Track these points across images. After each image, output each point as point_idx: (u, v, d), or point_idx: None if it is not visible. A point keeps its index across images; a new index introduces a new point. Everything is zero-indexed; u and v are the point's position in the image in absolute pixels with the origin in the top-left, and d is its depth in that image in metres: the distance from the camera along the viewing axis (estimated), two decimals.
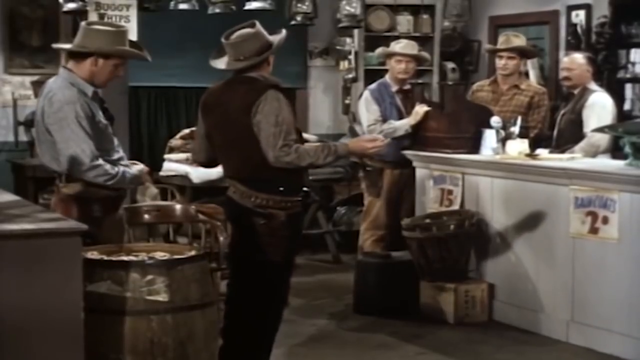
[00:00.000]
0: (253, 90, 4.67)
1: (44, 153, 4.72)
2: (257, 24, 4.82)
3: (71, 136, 4.55)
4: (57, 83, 4.70)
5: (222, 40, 4.81)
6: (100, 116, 4.69)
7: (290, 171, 4.67)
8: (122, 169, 4.71)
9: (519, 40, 7.16)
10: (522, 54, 7.22)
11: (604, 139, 6.59)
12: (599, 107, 6.75)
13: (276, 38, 4.84)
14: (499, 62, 7.14)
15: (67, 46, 4.84)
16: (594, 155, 6.57)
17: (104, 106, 4.80)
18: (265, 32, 4.82)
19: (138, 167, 4.91)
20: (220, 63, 4.84)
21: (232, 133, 4.74)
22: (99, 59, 4.66)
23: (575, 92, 6.90)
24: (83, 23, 4.83)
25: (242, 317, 4.78)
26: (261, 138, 4.62)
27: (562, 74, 7.05)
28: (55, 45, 4.84)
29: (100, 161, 4.59)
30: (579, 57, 6.97)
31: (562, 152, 6.62)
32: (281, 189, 4.69)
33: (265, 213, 4.68)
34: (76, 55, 4.71)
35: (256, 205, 4.69)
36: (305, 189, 4.87)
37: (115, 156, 4.73)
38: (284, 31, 4.89)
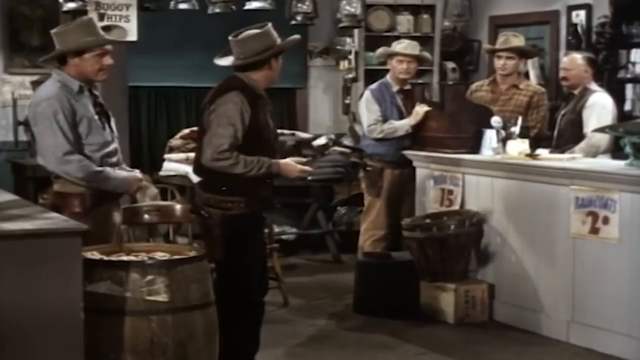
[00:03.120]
0: (220, 89, 4.78)
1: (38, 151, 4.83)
2: (269, 25, 4.85)
3: (44, 131, 4.64)
4: (47, 82, 4.84)
5: (230, 38, 4.85)
6: (88, 111, 4.72)
7: (228, 174, 4.73)
8: (107, 169, 4.71)
9: (518, 40, 7.16)
10: (521, 54, 7.21)
11: (604, 140, 6.59)
12: (599, 108, 6.74)
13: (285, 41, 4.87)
14: (498, 62, 7.14)
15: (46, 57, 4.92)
16: (594, 155, 6.57)
17: (98, 101, 4.84)
18: (275, 35, 4.83)
19: (130, 173, 4.89)
20: (225, 61, 4.90)
21: (200, 129, 4.92)
22: (74, 58, 4.72)
23: (576, 92, 6.90)
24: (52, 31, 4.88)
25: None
26: (206, 135, 4.72)
27: (561, 74, 7.06)
28: (40, 60, 4.99)
29: (76, 157, 4.61)
30: (578, 58, 6.97)
31: (562, 152, 6.62)
32: (223, 188, 4.76)
33: (204, 212, 4.79)
34: (58, 60, 4.80)
35: (201, 203, 4.83)
36: (266, 195, 4.89)
37: (106, 150, 4.73)
38: (297, 36, 4.92)
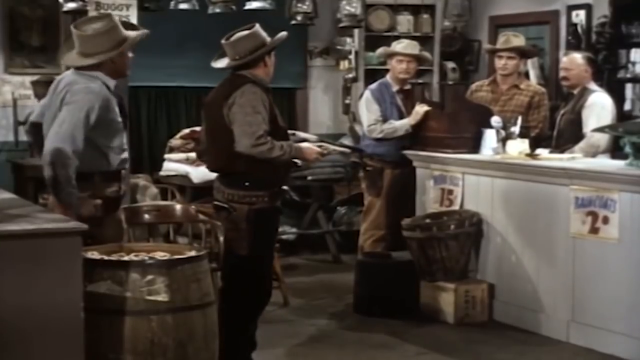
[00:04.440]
0: (233, 84, 4.93)
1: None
2: (257, 25, 5.03)
3: (69, 119, 4.32)
4: (79, 75, 4.52)
5: (222, 41, 5.02)
6: (116, 113, 4.54)
7: (257, 166, 4.85)
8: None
9: (518, 40, 7.16)
10: (522, 54, 7.22)
11: (603, 139, 6.59)
12: (599, 107, 6.75)
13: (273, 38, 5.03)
14: (499, 62, 7.14)
15: (82, 61, 4.54)
16: (593, 155, 6.57)
17: (121, 102, 4.67)
18: (263, 34, 5.02)
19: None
20: (221, 63, 5.07)
21: (212, 127, 5.00)
22: (114, 61, 4.55)
23: (575, 92, 6.90)
24: (73, 29, 4.60)
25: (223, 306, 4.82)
26: (235, 127, 4.82)
27: (561, 73, 7.06)
28: (67, 64, 4.62)
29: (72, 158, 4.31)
30: (577, 57, 6.97)
31: (562, 152, 6.62)
32: (246, 183, 4.89)
33: (229, 207, 4.92)
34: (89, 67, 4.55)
35: (224, 199, 4.95)
36: (284, 187, 5.07)
37: (123, 155, 4.61)
38: (283, 33, 5.06)
